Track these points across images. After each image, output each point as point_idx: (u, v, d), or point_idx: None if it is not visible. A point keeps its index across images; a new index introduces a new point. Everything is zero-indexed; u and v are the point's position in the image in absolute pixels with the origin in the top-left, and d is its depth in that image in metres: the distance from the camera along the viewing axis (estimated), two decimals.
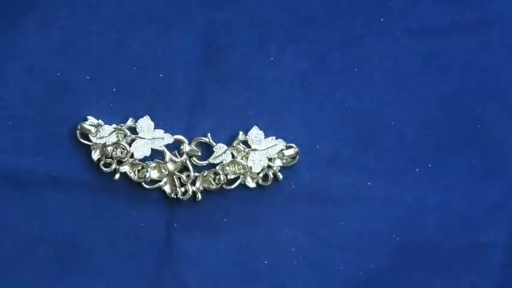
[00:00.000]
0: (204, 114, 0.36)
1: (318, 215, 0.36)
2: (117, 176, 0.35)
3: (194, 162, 0.35)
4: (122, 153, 0.34)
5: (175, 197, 0.35)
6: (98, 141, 0.35)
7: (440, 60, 0.37)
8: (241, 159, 0.35)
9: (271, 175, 0.36)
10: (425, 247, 0.37)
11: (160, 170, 0.35)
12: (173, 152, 0.35)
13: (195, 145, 0.35)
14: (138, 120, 0.35)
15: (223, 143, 0.36)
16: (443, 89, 0.37)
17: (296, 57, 0.37)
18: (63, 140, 0.35)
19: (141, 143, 0.35)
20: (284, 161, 0.36)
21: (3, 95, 0.35)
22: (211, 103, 0.36)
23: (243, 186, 0.36)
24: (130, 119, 0.35)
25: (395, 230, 0.37)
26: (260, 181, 0.36)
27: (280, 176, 0.35)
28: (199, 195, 0.36)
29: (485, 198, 0.37)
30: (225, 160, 0.35)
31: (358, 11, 0.37)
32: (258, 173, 0.35)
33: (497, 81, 0.37)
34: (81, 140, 0.35)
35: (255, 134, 0.35)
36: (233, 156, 0.35)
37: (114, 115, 0.35)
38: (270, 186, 0.36)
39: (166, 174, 0.35)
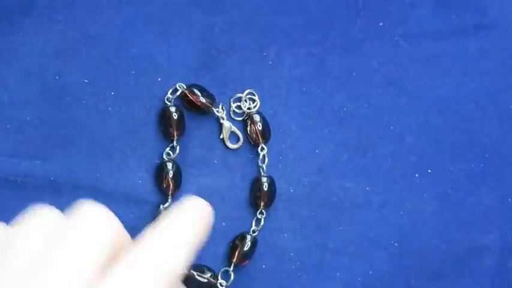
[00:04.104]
0: None
1: (316, 220, 0.36)
2: None
3: None
4: None
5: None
6: None
7: (439, 65, 0.37)
8: None
9: None
10: (423, 252, 0.37)
11: None
12: None
13: None
14: None
15: None
16: (443, 93, 0.37)
17: (295, 61, 0.37)
18: (61, 143, 0.35)
19: None
20: None
21: (1, 98, 0.35)
22: None
23: None
24: None
25: (393, 235, 0.36)
26: None
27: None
28: None
29: (482, 202, 0.37)
30: None
31: (357, 15, 0.37)
32: None
33: (496, 86, 0.37)
34: None
35: None
36: None
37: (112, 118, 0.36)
38: None
39: None
